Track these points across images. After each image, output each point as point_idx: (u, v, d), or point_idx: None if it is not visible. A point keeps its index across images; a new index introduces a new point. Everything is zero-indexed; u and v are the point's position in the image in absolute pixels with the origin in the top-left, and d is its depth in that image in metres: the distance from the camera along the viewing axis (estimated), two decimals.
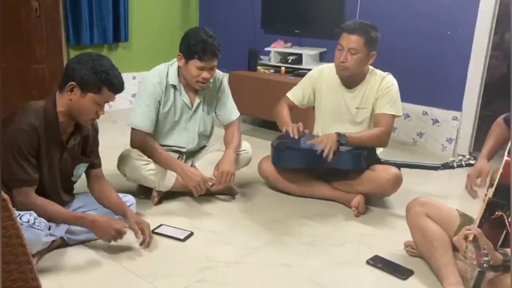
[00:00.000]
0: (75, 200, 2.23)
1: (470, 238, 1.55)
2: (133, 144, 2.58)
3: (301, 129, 2.56)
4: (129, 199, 2.32)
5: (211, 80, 2.64)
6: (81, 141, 2.10)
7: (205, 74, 2.49)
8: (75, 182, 2.20)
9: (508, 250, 1.61)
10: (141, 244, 2.15)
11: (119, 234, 2.02)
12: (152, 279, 1.93)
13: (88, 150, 2.16)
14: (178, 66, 2.59)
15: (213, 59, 2.48)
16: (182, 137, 2.72)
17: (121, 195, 2.30)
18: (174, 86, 2.61)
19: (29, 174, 1.89)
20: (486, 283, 1.65)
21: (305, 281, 1.98)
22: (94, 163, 2.20)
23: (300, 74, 4.00)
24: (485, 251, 1.47)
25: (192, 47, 2.44)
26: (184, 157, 2.78)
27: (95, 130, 2.19)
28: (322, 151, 2.45)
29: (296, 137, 2.54)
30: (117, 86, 1.96)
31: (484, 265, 1.41)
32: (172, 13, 5.09)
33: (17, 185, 1.87)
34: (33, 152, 1.89)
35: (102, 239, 2.04)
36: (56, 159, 2.02)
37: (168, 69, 2.61)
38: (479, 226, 1.70)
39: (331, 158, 2.47)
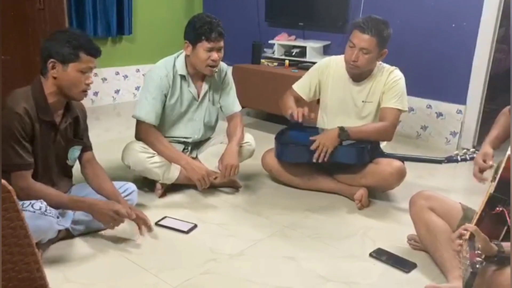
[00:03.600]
0: (76, 189, 2.23)
1: (467, 236, 1.54)
2: (138, 136, 2.59)
3: (305, 113, 2.55)
4: (130, 187, 2.31)
5: (216, 70, 2.64)
6: (72, 123, 2.11)
7: (214, 56, 2.49)
8: (71, 166, 2.19)
9: (504, 243, 1.60)
10: (140, 229, 2.13)
11: (118, 215, 2.01)
12: (156, 271, 1.94)
13: (80, 133, 2.16)
14: (185, 56, 2.59)
15: (219, 39, 2.49)
16: (188, 127, 2.73)
17: (121, 183, 2.31)
18: (183, 76, 2.61)
19: (24, 159, 1.89)
20: (482, 280, 1.64)
21: (309, 273, 1.99)
22: (86, 145, 2.21)
23: (304, 67, 3.99)
24: (479, 252, 1.46)
25: (198, 30, 2.46)
26: (189, 148, 2.79)
27: (84, 113, 2.20)
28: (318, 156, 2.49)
29: (300, 120, 2.54)
30: (93, 49, 1.96)
31: (477, 265, 1.40)
32: (176, 6, 5.09)
33: (14, 170, 1.88)
34: (26, 136, 1.90)
35: (101, 222, 2.03)
36: (50, 142, 2.02)
37: (175, 61, 2.61)
38: (479, 220, 1.68)
39: (329, 156, 2.49)
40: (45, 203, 1.86)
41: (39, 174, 1.99)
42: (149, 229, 2.16)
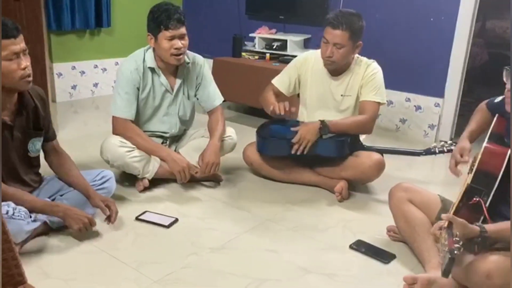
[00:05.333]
0: (49, 186, 2.19)
1: (445, 224, 1.57)
2: (116, 132, 2.56)
3: (287, 108, 2.55)
4: (107, 174, 2.30)
5: (188, 60, 2.61)
6: (31, 115, 2.02)
7: (176, 44, 2.46)
8: (36, 157, 2.13)
9: (487, 225, 1.63)
10: (107, 219, 2.13)
11: (91, 223, 2.03)
12: (137, 265, 1.93)
13: (41, 123, 2.07)
14: (153, 49, 2.57)
15: (179, 26, 2.45)
16: (164, 122, 2.71)
17: (98, 170, 2.30)
18: (152, 69, 2.58)
19: None
20: (460, 269, 1.68)
21: (290, 265, 2.00)
22: (49, 134, 2.14)
23: (285, 60, 3.99)
24: (457, 238, 1.49)
25: (156, 19, 2.44)
26: (168, 142, 2.77)
27: (43, 100, 2.08)
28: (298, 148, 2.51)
29: (282, 113, 2.54)
30: (4, 30, 1.75)
31: (455, 251, 1.43)
32: None
33: None
34: None
35: (72, 226, 2.00)
36: (8, 140, 1.94)
37: (145, 54, 2.59)
38: (456, 210, 1.73)
39: (310, 148, 2.51)
40: (12, 205, 1.82)
41: (4, 174, 1.92)
42: (111, 223, 2.15)
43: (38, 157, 2.14)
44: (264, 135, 2.70)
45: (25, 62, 1.83)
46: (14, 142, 1.98)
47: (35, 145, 2.08)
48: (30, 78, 1.88)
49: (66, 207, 2.02)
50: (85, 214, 2.04)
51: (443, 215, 1.62)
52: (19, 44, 1.81)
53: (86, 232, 2.04)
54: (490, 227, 1.61)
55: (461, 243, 1.48)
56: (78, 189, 2.13)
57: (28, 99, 1.99)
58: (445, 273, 1.45)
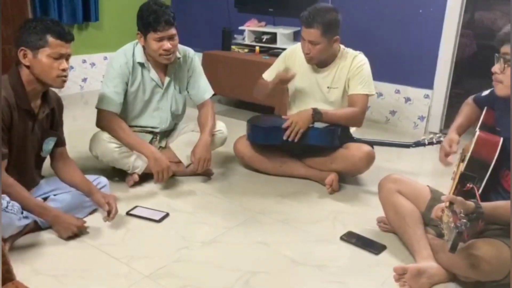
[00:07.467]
0: (46, 184, 2.19)
1: (447, 205, 1.60)
2: (99, 124, 2.53)
3: (289, 74, 2.57)
4: (101, 181, 2.31)
5: (179, 55, 2.60)
6: (49, 114, 2.10)
7: (165, 45, 2.44)
8: (44, 158, 2.19)
9: (484, 203, 1.65)
10: (107, 215, 2.12)
11: (80, 230, 2.05)
12: (128, 260, 1.93)
13: (55, 125, 2.15)
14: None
15: (168, 28, 2.42)
16: (154, 117, 2.69)
17: (93, 177, 2.30)
18: (142, 64, 2.56)
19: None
20: (452, 256, 1.69)
21: (281, 258, 2.01)
22: (61, 140, 2.20)
23: (274, 53, 3.99)
24: (462, 215, 1.53)
25: (145, 20, 2.42)
26: (158, 137, 2.76)
27: (60, 106, 2.19)
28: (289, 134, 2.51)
29: (289, 76, 2.57)
30: (60, 32, 1.93)
31: (462, 226, 1.47)
32: None
33: None
34: (4, 126, 1.87)
35: (61, 234, 2.02)
36: (28, 131, 2.01)
37: (134, 48, 2.57)
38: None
39: (299, 137, 2.51)
40: (7, 198, 1.82)
41: (12, 165, 1.94)
42: (110, 219, 2.14)
43: (44, 159, 2.20)
44: (255, 123, 2.70)
45: (66, 65, 1.97)
46: (32, 136, 2.04)
47: (49, 145, 2.14)
48: (66, 79, 1.99)
49: (56, 214, 2.02)
50: (75, 223, 2.04)
51: (443, 197, 1.65)
52: (67, 49, 1.97)
53: (74, 239, 2.04)
54: (485, 204, 1.64)
55: (466, 219, 1.51)
56: (81, 188, 2.15)
57: (50, 99, 2.09)
58: (453, 248, 1.48)
